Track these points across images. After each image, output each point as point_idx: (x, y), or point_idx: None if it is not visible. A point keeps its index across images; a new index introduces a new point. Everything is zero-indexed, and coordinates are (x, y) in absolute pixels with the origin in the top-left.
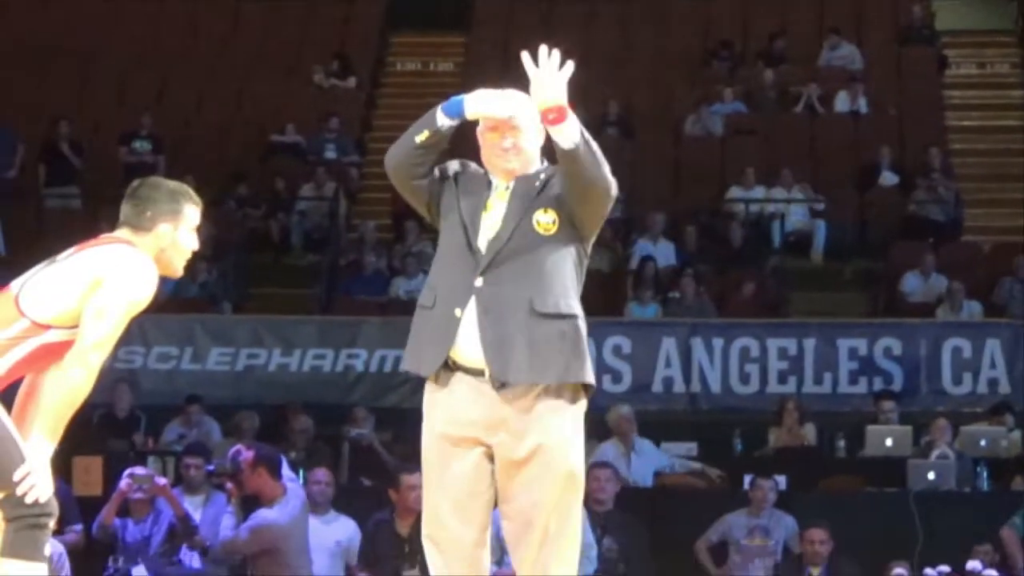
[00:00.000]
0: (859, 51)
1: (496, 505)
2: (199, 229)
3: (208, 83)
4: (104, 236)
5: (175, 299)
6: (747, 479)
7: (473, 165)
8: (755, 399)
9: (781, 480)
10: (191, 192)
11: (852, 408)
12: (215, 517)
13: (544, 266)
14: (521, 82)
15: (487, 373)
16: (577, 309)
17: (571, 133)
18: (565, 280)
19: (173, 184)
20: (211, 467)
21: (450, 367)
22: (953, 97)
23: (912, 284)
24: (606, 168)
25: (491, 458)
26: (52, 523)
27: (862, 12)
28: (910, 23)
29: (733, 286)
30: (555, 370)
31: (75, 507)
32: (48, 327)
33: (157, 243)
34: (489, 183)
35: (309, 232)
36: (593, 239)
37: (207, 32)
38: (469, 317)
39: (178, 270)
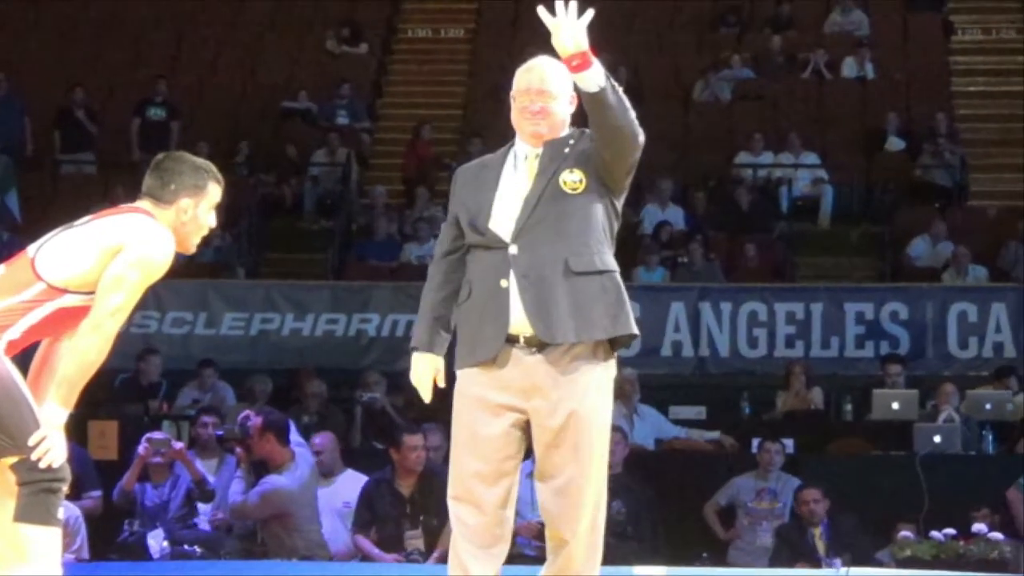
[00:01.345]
0: (866, 17)
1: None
2: (219, 206)
3: (221, 50)
4: (124, 206)
5: (189, 264)
6: (755, 442)
7: (478, 160)
8: (763, 363)
9: (789, 443)
10: (215, 170)
11: (859, 372)
12: (228, 481)
13: (574, 224)
14: (531, 47)
15: (521, 339)
16: (612, 264)
17: (596, 78)
18: (599, 236)
19: (198, 160)
20: (220, 432)
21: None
22: (959, 63)
23: (919, 249)
24: (632, 114)
25: (523, 425)
26: (65, 488)
27: None
28: None
29: (741, 251)
30: (601, 326)
31: (93, 472)
32: (64, 291)
33: (177, 217)
34: (505, 156)
35: (321, 197)
36: (623, 196)
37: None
38: (513, 286)
39: (192, 246)
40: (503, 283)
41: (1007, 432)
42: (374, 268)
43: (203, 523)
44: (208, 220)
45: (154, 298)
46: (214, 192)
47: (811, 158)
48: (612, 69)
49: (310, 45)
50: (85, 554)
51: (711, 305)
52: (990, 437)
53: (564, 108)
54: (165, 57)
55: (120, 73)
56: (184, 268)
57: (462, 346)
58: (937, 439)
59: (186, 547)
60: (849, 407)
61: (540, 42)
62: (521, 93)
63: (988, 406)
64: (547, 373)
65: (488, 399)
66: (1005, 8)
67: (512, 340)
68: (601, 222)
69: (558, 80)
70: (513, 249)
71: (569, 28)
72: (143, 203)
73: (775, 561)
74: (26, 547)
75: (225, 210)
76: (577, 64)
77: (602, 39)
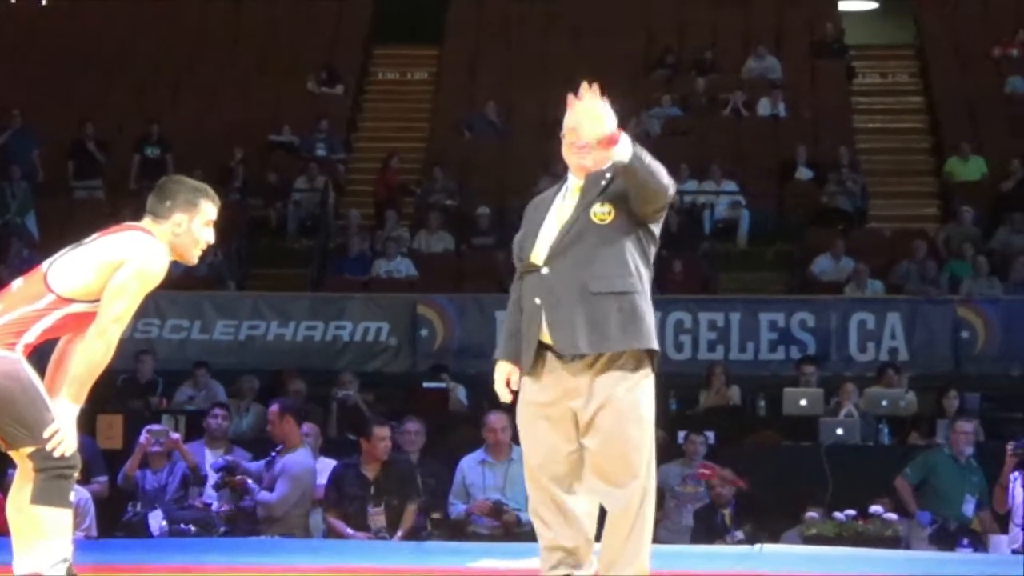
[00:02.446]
0: (779, 62)
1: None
2: (216, 225)
3: (215, 89)
4: (126, 224)
5: (186, 278)
6: (681, 434)
7: (539, 197)
8: (688, 365)
9: (710, 435)
10: (210, 191)
11: (771, 373)
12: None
13: (599, 251)
14: (487, 88)
15: (554, 349)
16: (635, 286)
17: (624, 152)
18: (622, 260)
19: (196, 182)
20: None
21: (541, 346)
22: (860, 103)
23: (823, 265)
24: (661, 173)
25: (576, 420)
26: (76, 474)
27: (781, 28)
28: (823, 38)
29: (669, 267)
30: (613, 340)
31: (101, 459)
32: (71, 300)
33: (172, 230)
34: (557, 191)
35: (302, 219)
36: (658, 225)
37: (214, 46)
38: (543, 304)
39: (192, 259)
40: (537, 300)
41: (900, 425)
42: (348, 281)
43: (199, 503)
44: (204, 235)
45: (154, 307)
46: (207, 209)
47: (731, 186)
48: (557, 107)
49: (293, 86)
50: (93, 532)
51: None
52: (885, 430)
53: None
54: (166, 95)
55: (126, 109)
56: (181, 280)
57: (518, 344)
58: (839, 432)
59: (182, 526)
60: (763, 403)
61: (495, 86)
62: (569, 130)
63: (884, 403)
64: (582, 379)
65: (540, 400)
66: (900, 56)
67: (548, 349)
68: (628, 249)
69: (608, 123)
70: (545, 271)
71: (594, 115)
72: (145, 221)
73: (695, 538)
74: (41, 526)
75: (218, 230)
76: (606, 143)
77: (550, 79)
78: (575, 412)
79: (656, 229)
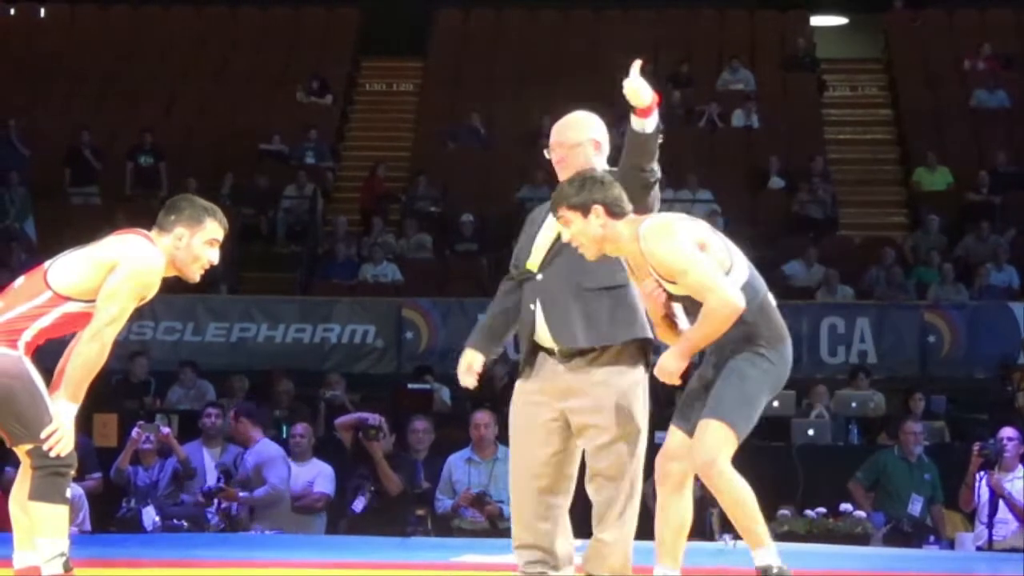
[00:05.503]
0: (752, 75)
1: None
2: (222, 246)
3: (208, 100)
4: (129, 229)
5: (179, 281)
6: (659, 435)
7: (536, 210)
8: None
9: None
10: (219, 212)
11: None
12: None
13: None
14: (470, 100)
15: (556, 349)
16: (626, 279)
17: (650, 125)
18: (614, 258)
19: (205, 203)
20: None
21: (535, 350)
22: (831, 115)
23: (795, 270)
24: (655, 158)
25: (565, 422)
26: (72, 472)
27: (754, 43)
28: (795, 52)
29: None
30: (608, 333)
31: (95, 457)
32: (67, 299)
33: (174, 243)
34: None
35: (292, 226)
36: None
37: (207, 56)
38: (539, 307)
39: (192, 275)
40: (532, 306)
41: (869, 426)
42: (335, 285)
43: (189, 499)
44: (206, 253)
45: (149, 310)
46: (212, 228)
47: (706, 195)
48: (539, 117)
49: (283, 96)
50: (87, 526)
51: None
52: (855, 430)
53: (585, 154)
54: (160, 105)
55: (121, 118)
56: (175, 284)
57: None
58: (811, 432)
59: (175, 521)
60: None
61: (478, 98)
62: (549, 147)
63: (853, 404)
64: (579, 377)
65: (533, 401)
66: (869, 69)
67: (549, 352)
68: None
69: (573, 132)
70: (540, 276)
71: (639, 88)
72: (152, 232)
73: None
74: (39, 521)
75: None
76: (642, 111)
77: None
78: (566, 414)
79: None
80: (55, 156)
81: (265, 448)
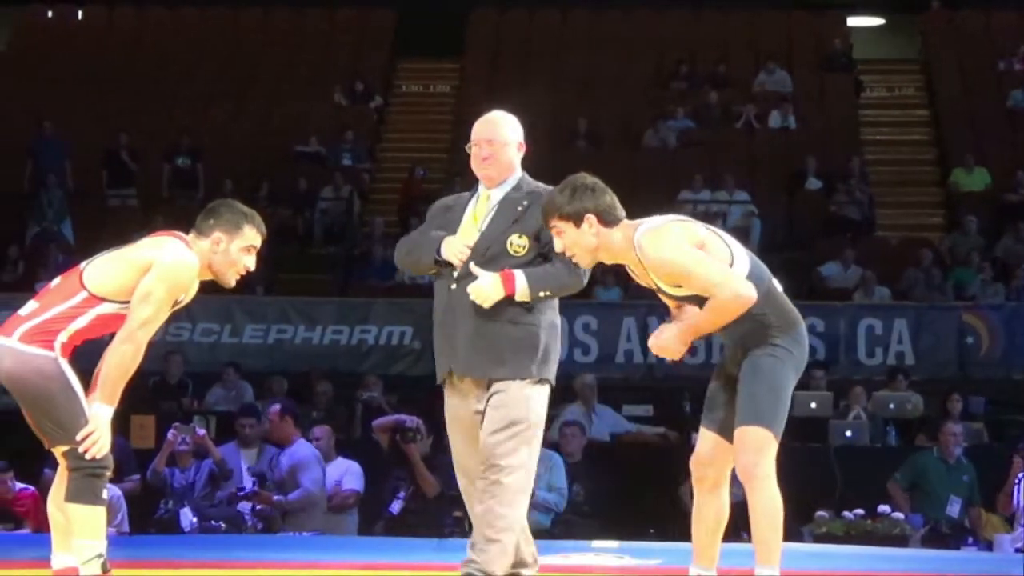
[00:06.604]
0: (789, 76)
1: None
2: (259, 253)
3: (244, 101)
4: (167, 231)
5: (216, 283)
6: (694, 436)
7: (449, 199)
8: (701, 368)
9: None
10: (258, 219)
11: None
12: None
13: None
14: (507, 100)
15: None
16: (535, 318)
17: (523, 295)
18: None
19: (245, 208)
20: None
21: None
22: (867, 115)
23: (832, 272)
24: (561, 280)
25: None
26: (108, 474)
27: (791, 43)
28: (832, 53)
29: None
30: (505, 367)
31: (133, 459)
32: (102, 299)
33: (211, 248)
34: (471, 197)
35: (329, 227)
36: None
37: (243, 59)
38: (448, 318)
39: (228, 280)
40: (445, 315)
41: (907, 427)
42: (373, 287)
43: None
44: (243, 260)
45: (185, 311)
46: (250, 234)
47: (742, 195)
48: (574, 119)
49: (320, 98)
50: (126, 528)
51: (658, 319)
52: (893, 432)
53: (510, 154)
54: (196, 107)
55: (158, 120)
56: (210, 286)
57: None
58: (848, 434)
59: (212, 522)
60: None
61: (514, 99)
62: (474, 143)
63: (891, 405)
64: (477, 387)
65: (449, 404)
66: (906, 70)
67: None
68: None
69: (503, 131)
70: (453, 286)
71: (485, 302)
72: (189, 235)
73: None
74: (77, 523)
75: None
76: (511, 294)
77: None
78: (479, 414)
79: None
80: (92, 158)
81: (300, 450)
